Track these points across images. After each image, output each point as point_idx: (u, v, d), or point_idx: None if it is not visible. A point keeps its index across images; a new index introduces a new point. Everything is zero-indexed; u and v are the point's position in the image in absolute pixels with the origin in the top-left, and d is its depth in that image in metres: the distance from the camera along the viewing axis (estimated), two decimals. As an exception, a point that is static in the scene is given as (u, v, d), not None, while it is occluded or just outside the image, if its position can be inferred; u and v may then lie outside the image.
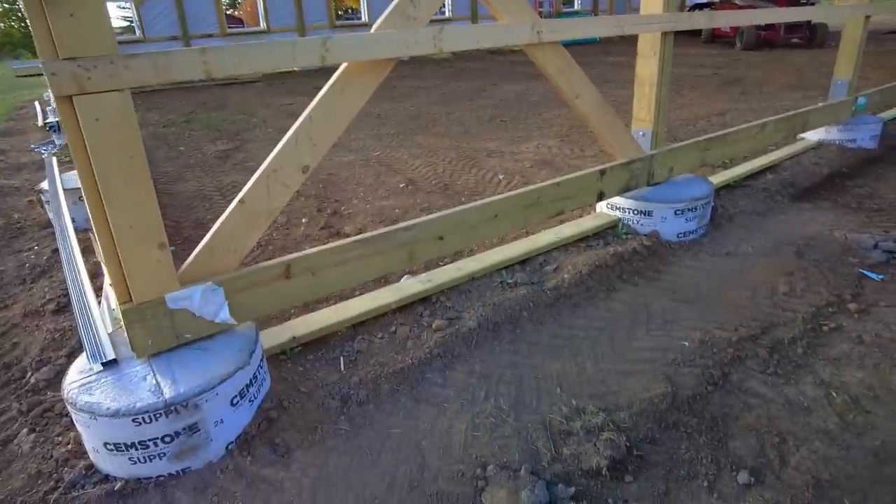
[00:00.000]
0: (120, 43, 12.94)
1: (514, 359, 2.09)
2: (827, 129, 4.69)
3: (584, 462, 1.64)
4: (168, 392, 1.55)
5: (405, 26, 1.94)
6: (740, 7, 14.32)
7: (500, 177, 4.35)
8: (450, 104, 7.92)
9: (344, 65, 1.88)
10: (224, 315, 1.82)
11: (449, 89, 9.44)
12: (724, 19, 3.34)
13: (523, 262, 2.73)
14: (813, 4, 13.92)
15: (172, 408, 1.53)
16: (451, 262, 2.74)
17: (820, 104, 4.44)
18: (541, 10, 17.80)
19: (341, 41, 1.81)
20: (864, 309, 2.43)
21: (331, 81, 1.88)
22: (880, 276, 2.69)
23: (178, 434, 1.56)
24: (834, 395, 1.93)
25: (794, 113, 4.08)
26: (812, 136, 4.80)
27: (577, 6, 20.06)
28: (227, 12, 29.96)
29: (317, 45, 1.76)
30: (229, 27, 16.63)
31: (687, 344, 2.15)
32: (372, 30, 1.92)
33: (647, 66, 2.84)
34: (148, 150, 6.01)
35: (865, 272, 2.73)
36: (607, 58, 13.10)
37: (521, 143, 5.43)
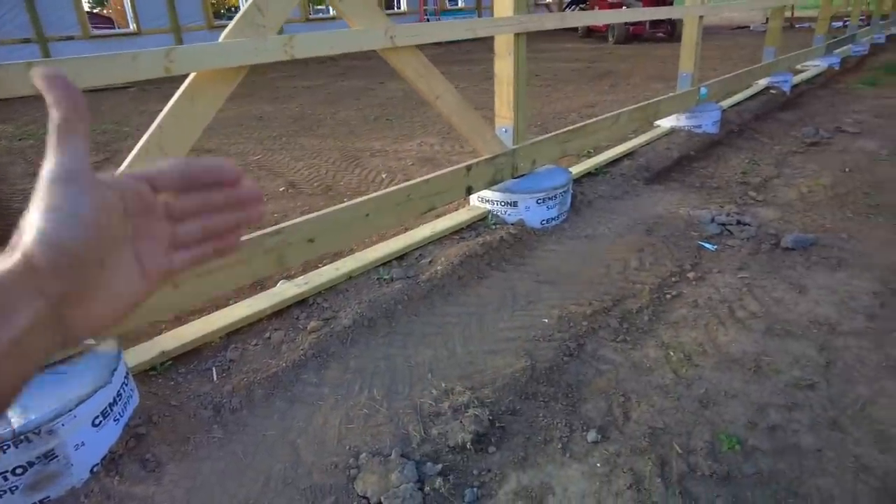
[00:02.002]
0: (-43, 46, 11.27)
1: (388, 351, 2.19)
2: (677, 116, 5.19)
3: (450, 439, 1.76)
4: (17, 421, 1.49)
5: (254, 34, 1.96)
6: (611, 4, 15.32)
7: (384, 176, 4.43)
8: (335, 104, 7.87)
9: (192, 74, 1.88)
10: (81, 336, 1.76)
11: (335, 89, 9.37)
12: (574, 20, 3.62)
13: (401, 257, 2.84)
14: (672, 3, 15.16)
15: (23, 437, 1.48)
16: (331, 262, 2.79)
17: (669, 94, 4.91)
18: (426, 7, 18.02)
19: (186, 51, 1.80)
20: (700, 276, 2.76)
21: (180, 91, 1.87)
22: (715, 247, 3.05)
23: (31, 464, 1.51)
24: (671, 354, 2.19)
25: (646, 103, 4.48)
26: (666, 123, 5.29)
27: (460, 3, 20.50)
28: (94, 11, 27.61)
29: (160, 56, 1.75)
30: (96, 27, 15.40)
31: (547, 321, 2.35)
32: (220, 38, 1.93)
33: (505, 65, 3.03)
34: (1, 167, 5.50)
35: (703, 244, 3.09)
36: (490, 54, 13.50)
37: (404, 141, 5.54)
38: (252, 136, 6.03)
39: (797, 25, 16.96)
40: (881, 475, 1.61)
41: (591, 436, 1.80)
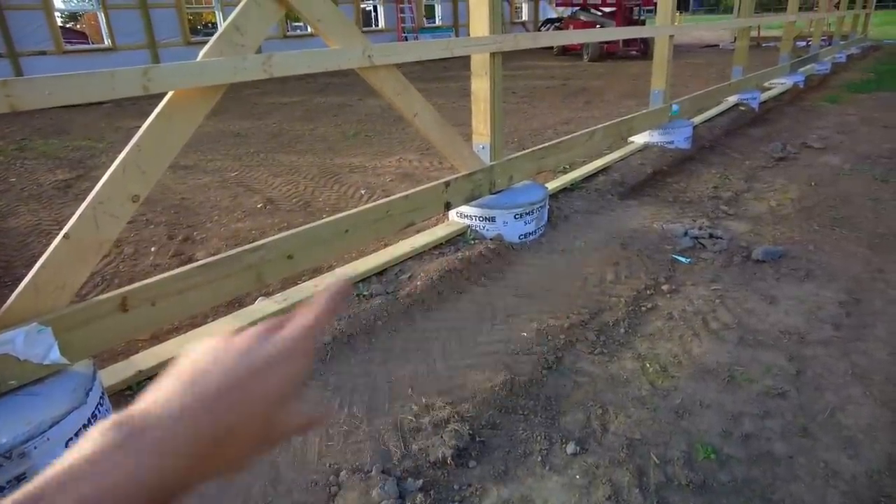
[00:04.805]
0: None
1: (368, 367, 2.19)
2: (650, 132, 5.30)
3: (431, 455, 1.77)
4: (-12, 444, 1.46)
5: (233, 53, 1.98)
6: (585, 23, 15.67)
7: (363, 192, 4.45)
8: (314, 120, 7.89)
9: (170, 93, 1.88)
10: (54, 356, 1.74)
11: (313, 105, 9.38)
12: (549, 39, 3.70)
13: (380, 272, 2.84)
14: (644, 23, 15.55)
15: (-6, 460, 1.44)
16: (310, 278, 2.78)
17: (642, 111, 5.03)
18: (403, 25, 18.20)
19: (164, 70, 1.81)
20: (674, 289, 2.81)
21: (157, 110, 1.87)
22: (688, 260, 3.12)
23: (2, 488, 1.47)
24: (647, 365, 2.23)
25: (619, 120, 4.58)
26: (639, 139, 5.40)
27: (438, 21, 20.74)
28: (68, 25, 27.19)
29: (137, 74, 1.75)
30: (70, 42, 15.21)
31: (525, 334, 2.38)
32: (198, 57, 1.94)
33: (481, 84, 3.08)
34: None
35: (677, 257, 3.15)
36: (466, 71, 13.67)
37: (383, 157, 5.57)
38: (230, 153, 6.00)
39: (763, 45, 17.50)
40: (849, 479, 1.66)
41: (571, 448, 1.82)
